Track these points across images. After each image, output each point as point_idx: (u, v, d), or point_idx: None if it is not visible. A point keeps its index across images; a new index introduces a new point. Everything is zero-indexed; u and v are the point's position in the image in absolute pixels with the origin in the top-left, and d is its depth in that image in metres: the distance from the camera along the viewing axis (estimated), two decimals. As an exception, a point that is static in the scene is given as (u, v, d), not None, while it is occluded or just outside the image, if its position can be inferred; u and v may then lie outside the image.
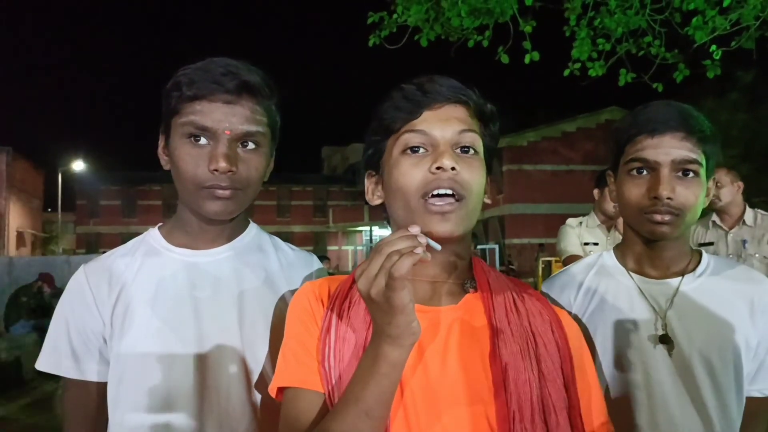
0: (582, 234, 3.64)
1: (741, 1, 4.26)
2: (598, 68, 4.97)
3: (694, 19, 4.47)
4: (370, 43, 5.30)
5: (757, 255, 3.29)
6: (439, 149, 0.89)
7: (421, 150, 0.90)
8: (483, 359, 0.88)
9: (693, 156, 1.13)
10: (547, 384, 0.87)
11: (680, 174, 1.13)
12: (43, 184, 35.87)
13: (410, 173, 0.90)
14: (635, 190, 1.17)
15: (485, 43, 5.06)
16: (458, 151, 0.91)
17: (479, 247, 22.81)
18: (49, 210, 38.80)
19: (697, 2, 4.40)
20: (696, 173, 1.14)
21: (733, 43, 4.54)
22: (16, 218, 30.39)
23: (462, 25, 4.85)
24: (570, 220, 3.78)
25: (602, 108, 26.65)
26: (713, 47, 4.48)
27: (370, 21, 5.24)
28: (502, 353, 0.87)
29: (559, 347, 0.91)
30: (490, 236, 27.34)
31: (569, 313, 1.08)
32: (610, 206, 3.49)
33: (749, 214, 3.35)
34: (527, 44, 4.82)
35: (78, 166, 30.79)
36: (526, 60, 4.86)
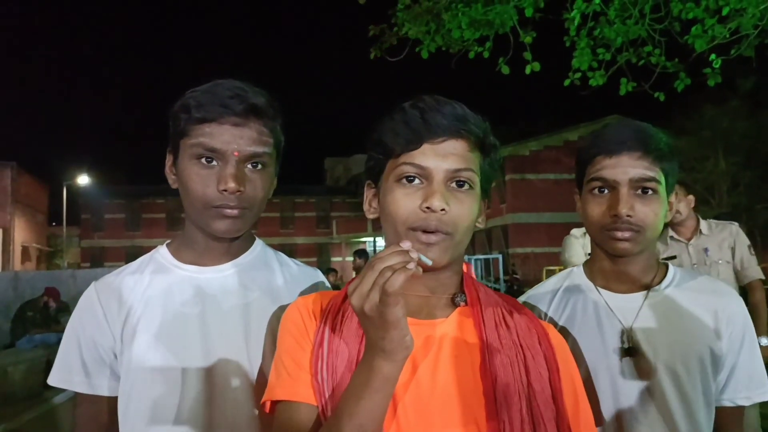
0: (586, 244, 3.64)
1: (740, 10, 4.29)
2: (598, 78, 4.99)
3: (694, 28, 4.50)
4: (372, 56, 5.35)
5: (720, 261, 3.38)
6: (433, 186, 0.89)
7: (416, 181, 0.91)
8: (474, 371, 0.90)
9: (650, 174, 1.15)
10: (536, 396, 0.88)
11: (639, 192, 1.16)
12: (48, 199, 36.02)
13: (402, 204, 0.90)
14: (597, 209, 1.20)
15: (486, 55, 5.10)
16: (453, 184, 0.91)
17: (484, 257, 22.76)
18: (54, 224, 38.91)
19: (697, 11, 4.43)
20: (654, 190, 1.16)
21: (732, 51, 4.56)
22: (21, 233, 30.49)
23: (462, 37, 4.89)
24: (574, 231, 3.79)
25: (603, 116, 26.61)
26: (713, 56, 4.51)
27: (371, 34, 5.29)
28: (492, 366, 0.88)
29: (547, 360, 0.92)
30: (494, 246, 27.27)
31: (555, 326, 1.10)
32: None
33: (703, 224, 3.46)
34: (528, 55, 4.85)
35: (82, 180, 30.99)
36: (527, 70, 4.89)
